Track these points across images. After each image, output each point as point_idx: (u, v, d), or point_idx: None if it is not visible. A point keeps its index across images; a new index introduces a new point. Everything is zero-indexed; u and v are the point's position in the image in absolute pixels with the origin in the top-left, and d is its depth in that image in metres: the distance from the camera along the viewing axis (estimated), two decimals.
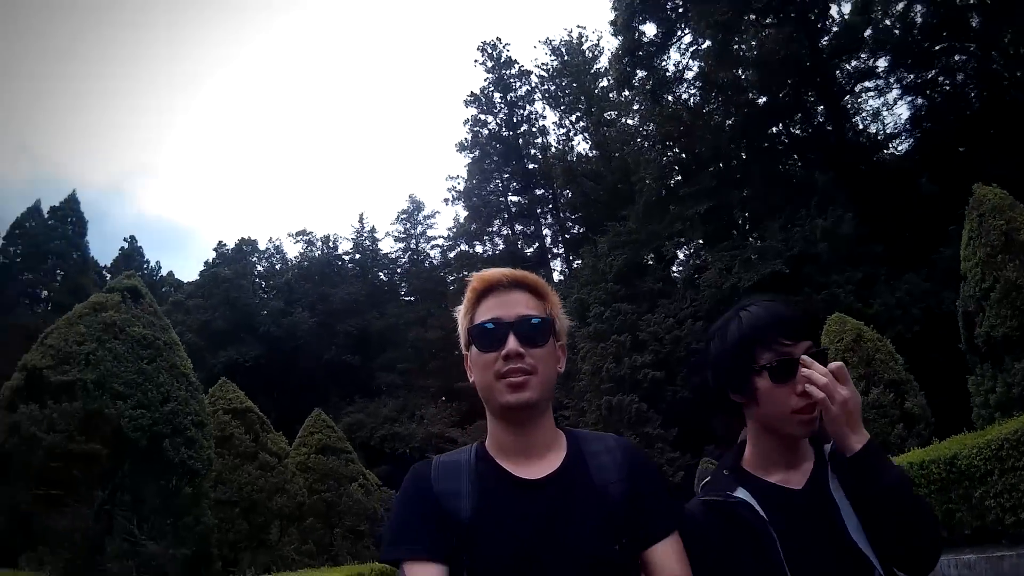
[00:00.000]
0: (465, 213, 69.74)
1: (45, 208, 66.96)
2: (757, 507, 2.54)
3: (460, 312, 2.63)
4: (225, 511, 20.62)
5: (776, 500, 2.58)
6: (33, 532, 14.37)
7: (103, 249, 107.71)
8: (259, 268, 77.70)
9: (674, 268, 50.14)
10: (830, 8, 41.69)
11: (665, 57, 45.84)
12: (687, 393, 38.06)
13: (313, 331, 65.08)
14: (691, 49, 45.24)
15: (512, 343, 2.41)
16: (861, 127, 44.63)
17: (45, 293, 64.01)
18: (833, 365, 2.49)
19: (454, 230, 70.99)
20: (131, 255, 75.48)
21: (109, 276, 62.45)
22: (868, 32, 40.94)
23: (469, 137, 67.77)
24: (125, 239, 78.84)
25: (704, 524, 2.59)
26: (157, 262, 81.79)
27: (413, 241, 76.86)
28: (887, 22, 40.97)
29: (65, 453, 14.40)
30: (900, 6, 39.91)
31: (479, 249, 67.43)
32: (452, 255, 70.47)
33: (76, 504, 13.94)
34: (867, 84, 43.11)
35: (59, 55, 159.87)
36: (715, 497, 2.64)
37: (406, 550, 2.35)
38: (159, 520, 14.90)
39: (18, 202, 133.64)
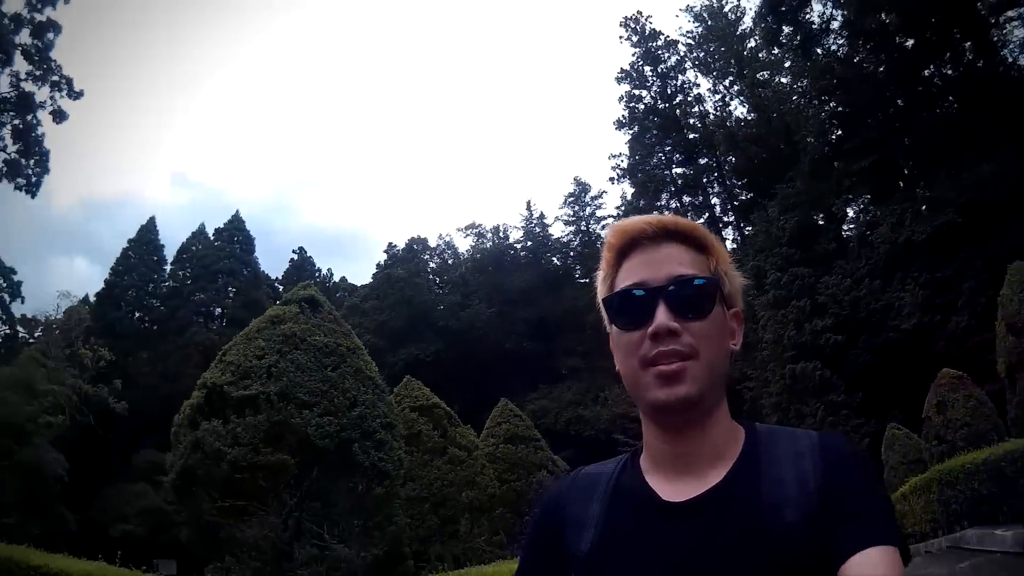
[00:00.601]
0: (632, 190, 68.55)
1: (210, 230, 69.76)
2: None
3: (599, 277, 1.93)
4: (415, 507, 20.77)
5: None
6: (219, 543, 14.64)
7: (273, 263, 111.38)
8: (432, 265, 78.82)
9: (845, 226, 48.24)
10: None
11: (808, 9, 43.83)
12: (870, 356, 36.43)
13: (491, 321, 65.54)
14: None
15: (662, 316, 1.71)
16: (1011, 60, 41.67)
17: (219, 311, 66.39)
18: None
19: (622, 208, 69.51)
20: (301, 265, 77.80)
21: (281, 288, 64.46)
22: None
23: (626, 114, 66.37)
24: (294, 251, 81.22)
25: None
26: (328, 269, 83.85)
27: (583, 223, 76.40)
28: None
29: (250, 465, 14.62)
30: None
31: None
32: None
33: (263, 513, 14.11)
34: (1010, 13, 40.18)
35: (204, 82, 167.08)
36: None
37: None
38: (349, 523, 14.97)
39: (181, 227, 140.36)
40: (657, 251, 1.81)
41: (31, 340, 56.95)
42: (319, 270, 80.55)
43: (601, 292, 1.90)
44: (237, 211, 71.11)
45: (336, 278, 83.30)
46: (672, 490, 1.77)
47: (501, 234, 79.29)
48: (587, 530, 1.84)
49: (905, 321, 34.76)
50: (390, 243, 78.71)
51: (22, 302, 54.69)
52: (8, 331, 55.47)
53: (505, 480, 25.82)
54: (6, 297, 52.89)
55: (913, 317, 34.64)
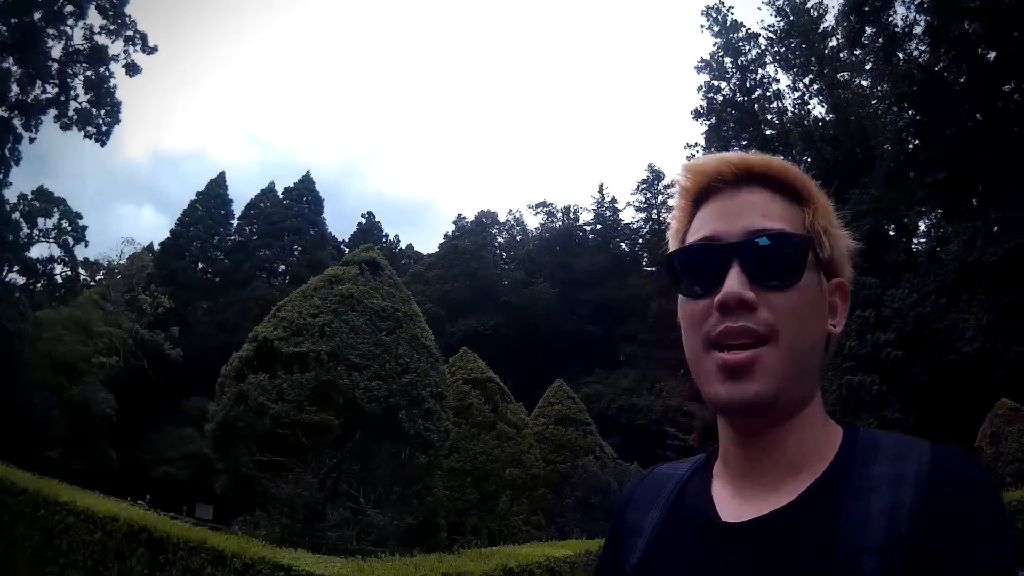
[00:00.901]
0: None
1: (280, 190, 70.48)
2: None
3: (670, 229, 1.53)
4: (457, 479, 20.53)
5: None
6: (254, 496, 14.51)
7: (341, 226, 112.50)
8: (499, 240, 78.77)
9: (916, 240, 46.98)
10: None
11: (891, 12, 42.28)
12: (928, 376, 35.33)
13: (554, 301, 65.17)
14: (916, 2, 41.71)
15: (734, 281, 1.29)
16: None
17: (283, 267, 66.99)
18: None
19: None
20: (369, 230, 77.89)
21: (347, 251, 64.94)
22: None
23: (704, 104, 65.18)
24: (363, 215, 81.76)
25: None
26: (396, 236, 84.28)
27: (654, 211, 75.21)
28: None
29: (293, 422, 14.46)
30: None
31: None
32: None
33: (301, 471, 13.93)
34: None
35: (282, 46, 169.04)
36: None
37: None
38: (387, 489, 14.76)
39: (250, 186, 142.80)
40: (736, 197, 1.40)
41: (92, 283, 58.06)
42: (386, 235, 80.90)
43: (671, 247, 1.50)
44: (308, 172, 71.91)
45: (403, 245, 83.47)
46: (736, 505, 1.38)
47: (571, 215, 78.85)
48: (641, 540, 1.51)
49: (967, 344, 33.75)
50: (459, 215, 79.01)
51: (85, 246, 56.29)
52: (70, 273, 56.57)
53: (551, 461, 25.51)
54: (70, 240, 54.23)
55: (975, 341, 33.62)
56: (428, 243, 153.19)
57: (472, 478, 21.38)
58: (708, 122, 65.06)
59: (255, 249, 64.95)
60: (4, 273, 45.61)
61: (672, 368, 54.64)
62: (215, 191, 67.87)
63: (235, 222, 68.48)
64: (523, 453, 23.30)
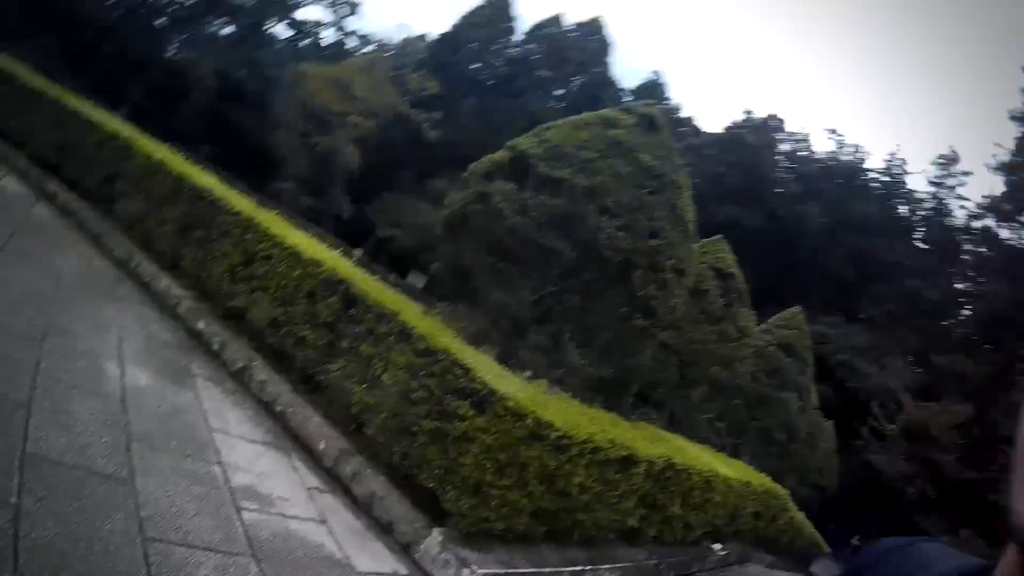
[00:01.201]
0: (1002, 188, 61.08)
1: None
2: None
3: None
4: (665, 354, 19.65)
5: None
6: (466, 289, 14.17)
7: (624, 79, 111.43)
8: (781, 148, 74.58)
9: None
10: None
11: None
12: None
13: (820, 229, 61.97)
14: None
15: None
16: None
17: (560, 92, 65.23)
18: None
19: (987, 200, 62.59)
20: (654, 87, 73.26)
21: (628, 99, 62.48)
22: None
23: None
24: (652, 71, 78.75)
25: None
26: (678, 103, 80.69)
27: (940, 190, 69.31)
28: None
29: (527, 239, 13.86)
30: None
31: (1005, 234, 57.70)
32: (976, 225, 61.59)
33: (519, 285, 13.41)
34: None
35: None
36: None
37: None
38: (595, 336, 14.11)
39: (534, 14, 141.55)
40: None
41: (360, 53, 58.80)
42: (668, 99, 76.07)
43: None
44: (599, 16, 69.42)
45: (684, 115, 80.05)
46: None
47: (858, 153, 73.76)
48: None
49: None
50: (748, 109, 75.75)
51: (360, 18, 56.61)
52: (337, 38, 57.46)
53: (758, 379, 24.35)
54: (346, 9, 54.69)
55: None
56: (708, 126, 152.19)
57: (680, 360, 20.56)
58: (1022, 129, 58.35)
59: (535, 67, 63.83)
60: (269, 25, 46.75)
61: (904, 351, 51.48)
62: (502, 2, 66.51)
63: (516, 37, 67.02)
64: (736, 360, 22.30)
